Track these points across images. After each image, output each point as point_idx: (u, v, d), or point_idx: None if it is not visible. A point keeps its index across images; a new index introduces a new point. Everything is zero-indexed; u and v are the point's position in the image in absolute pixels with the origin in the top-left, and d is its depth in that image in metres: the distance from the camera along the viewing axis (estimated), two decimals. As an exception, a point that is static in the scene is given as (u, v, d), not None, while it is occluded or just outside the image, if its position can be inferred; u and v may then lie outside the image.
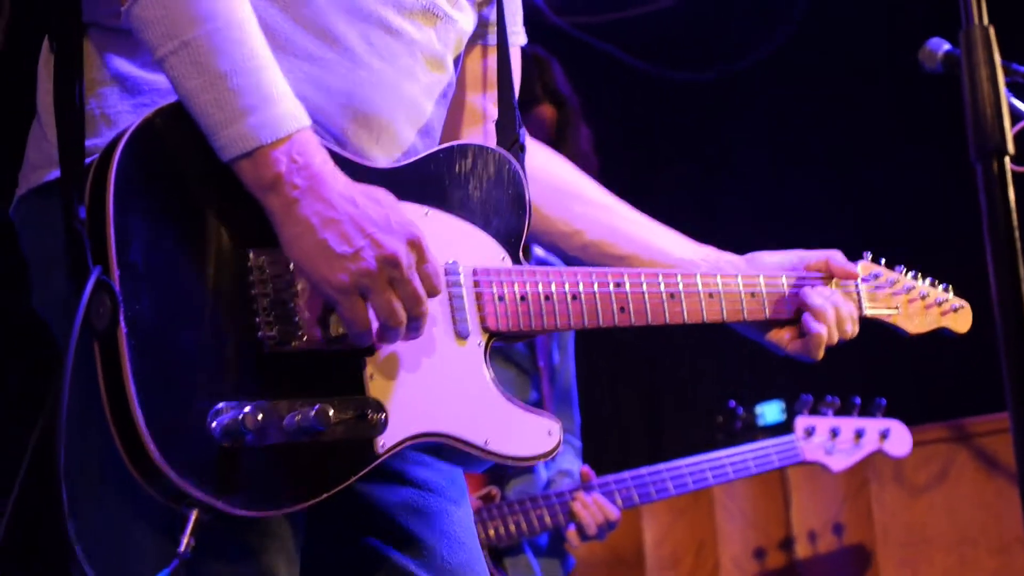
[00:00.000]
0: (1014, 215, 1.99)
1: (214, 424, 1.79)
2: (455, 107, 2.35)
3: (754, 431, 4.67)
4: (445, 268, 2.04)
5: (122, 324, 1.76)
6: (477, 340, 2.06)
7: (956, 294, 2.59)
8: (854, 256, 2.49)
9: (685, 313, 2.27)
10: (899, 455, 4.56)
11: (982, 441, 5.08)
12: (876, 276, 2.49)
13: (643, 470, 4.31)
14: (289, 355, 1.87)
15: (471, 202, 2.11)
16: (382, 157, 2.10)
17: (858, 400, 4.50)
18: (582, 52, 5.87)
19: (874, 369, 5.01)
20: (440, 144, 2.17)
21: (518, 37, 2.41)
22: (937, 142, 5.21)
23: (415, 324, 1.91)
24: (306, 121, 1.88)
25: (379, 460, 1.92)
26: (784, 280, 2.38)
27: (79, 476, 1.83)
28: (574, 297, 2.16)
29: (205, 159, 1.85)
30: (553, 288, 2.14)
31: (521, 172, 2.18)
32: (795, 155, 6.07)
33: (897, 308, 2.50)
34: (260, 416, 1.80)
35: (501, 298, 2.09)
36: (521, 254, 2.15)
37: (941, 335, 2.58)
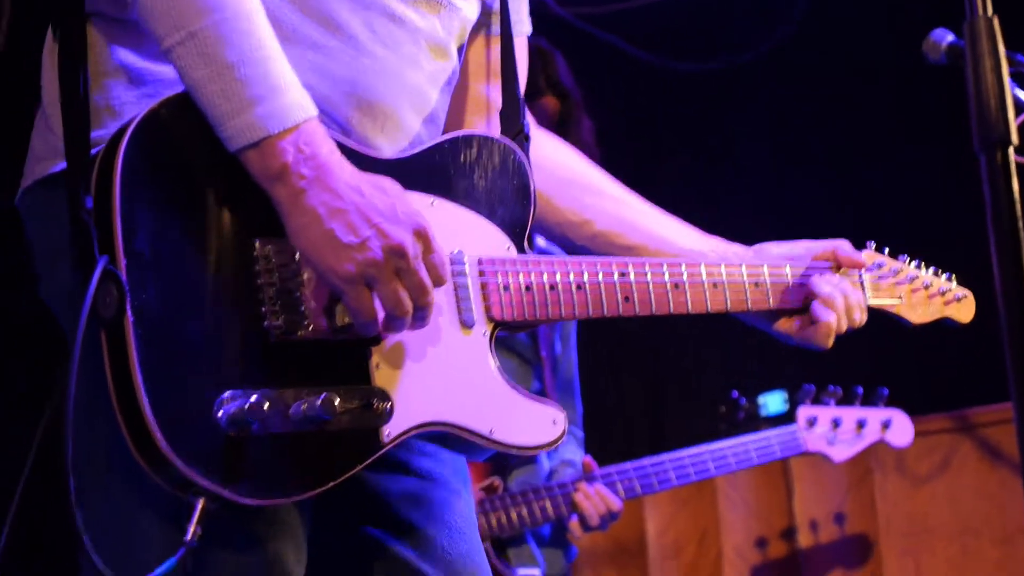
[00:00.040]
0: (1017, 206, 1.99)
1: (220, 413, 1.79)
2: (460, 96, 2.35)
3: (757, 421, 4.67)
4: (450, 258, 2.04)
5: (129, 313, 1.76)
6: (482, 329, 2.06)
7: (959, 284, 2.59)
8: (857, 246, 2.49)
9: (689, 303, 2.27)
10: (901, 445, 4.57)
11: (985, 432, 5.08)
12: (879, 266, 2.49)
13: (645, 460, 4.31)
14: (295, 344, 1.88)
15: (476, 192, 2.12)
16: (387, 145, 2.10)
17: (860, 390, 4.50)
18: (585, 43, 5.87)
19: (877, 359, 5.01)
20: (445, 134, 2.17)
21: (523, 27, 2.42)
22: (941, 134, 5.21)
23: (421, 314, 1.92)
24: (313, 111, 1.88)
25: (385, 449, 1.93)
26: (788, 270, 2.38)
27: (86, 465, 1.83)
28: (579, 287, 2.16)
29: (211, 149, 1.85)
30: (558, 278, 2.14)
31: (526, 162, 2.18)
32: (798, 146, 6.07)
33: (900, 298, 2.50)
34: (266, 405, 1.80)
35: (506, 287, 2.09)
36: (526, 244, 2.16)
37: (944, 325, 2.58)
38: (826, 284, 2.37)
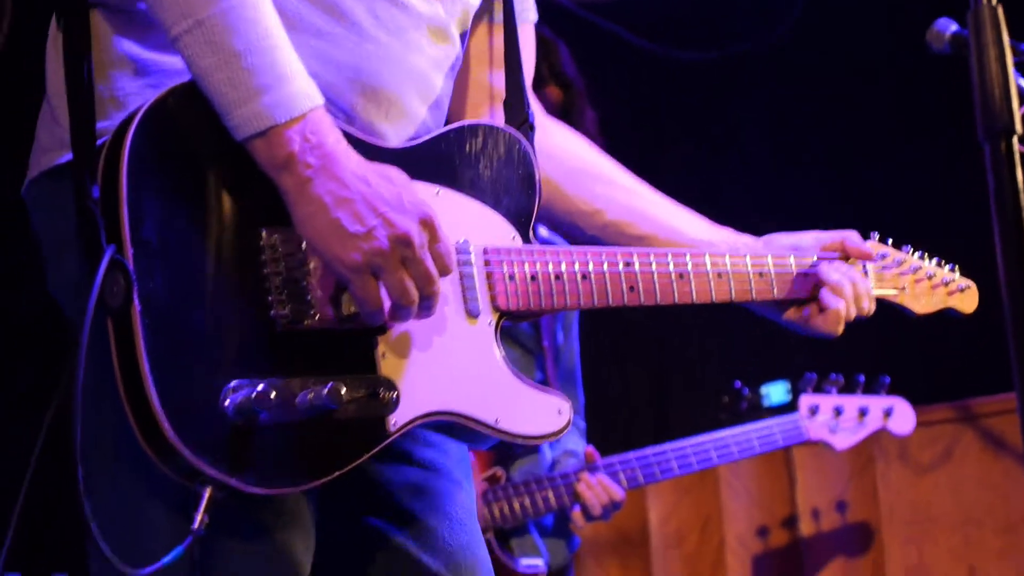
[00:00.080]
0: (1022, 195, 2.00)
1: (227, 402, 1.79)
2: (464, 84, 2.35)
3: (759, 411, 4.67)
4: (456, 247, 2.04)
5: (136, 302, 1.76)
6: (487, 319, 2.07)
7: (962, 275, 2.60)
8: (861, 236, 2.50)
9: (694, 293, 2.28)
10: (903, 433, 4.57)
11: (988, 422, 5.08)
12: (883, 256, 2.50)
13: (647, 450, 4.31)
14: (301, 334, 1.88)
15: (481, 181, 2.12)
16: (392, 131, 2.10)
17: (862, 378, 4.50)
18: (587, 32, 5.86)
19: (880, 349, 5.01)
20: (450, 124, 2.17)
21: (529, 14, 2.41)
22: (944, 124, 5.21)
23: (427, 303, 1.92)
24: (319, 100, 1.88)
25: (391, 439, 1.93)
26: (792, 260, 2.39)
27: (94, 454, 1.83)
28: (584, 276, 2.16)
29: (218, 138, 1.86)
30: (563, 267, 2.15)
31: (531, 151, 2.18)
32: (801, 136, 6.07)
33: (904, 288, 2.51)
34: (273, 394, 1.80)
35: (511, 277, 2.10)
36: (530, 234, 2.16)
37: (947, 315, 2.59)
38: (835, 272, 2.38)
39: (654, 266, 2.23)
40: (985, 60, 2.03)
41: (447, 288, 2.00)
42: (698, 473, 4.56)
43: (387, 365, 1.94)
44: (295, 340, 1.88)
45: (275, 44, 1.87)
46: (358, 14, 2.06)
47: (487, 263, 2.08)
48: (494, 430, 2.03)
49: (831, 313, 2.35)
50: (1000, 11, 2.05)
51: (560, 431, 2.09)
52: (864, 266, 2.46)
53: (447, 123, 2.21)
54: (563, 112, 4.39)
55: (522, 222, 2.15)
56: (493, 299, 2.07)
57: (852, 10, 5.85)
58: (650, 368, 6.34)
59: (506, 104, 2.30)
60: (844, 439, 4.50)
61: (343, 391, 1.85)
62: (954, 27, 2.62)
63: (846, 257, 2.43)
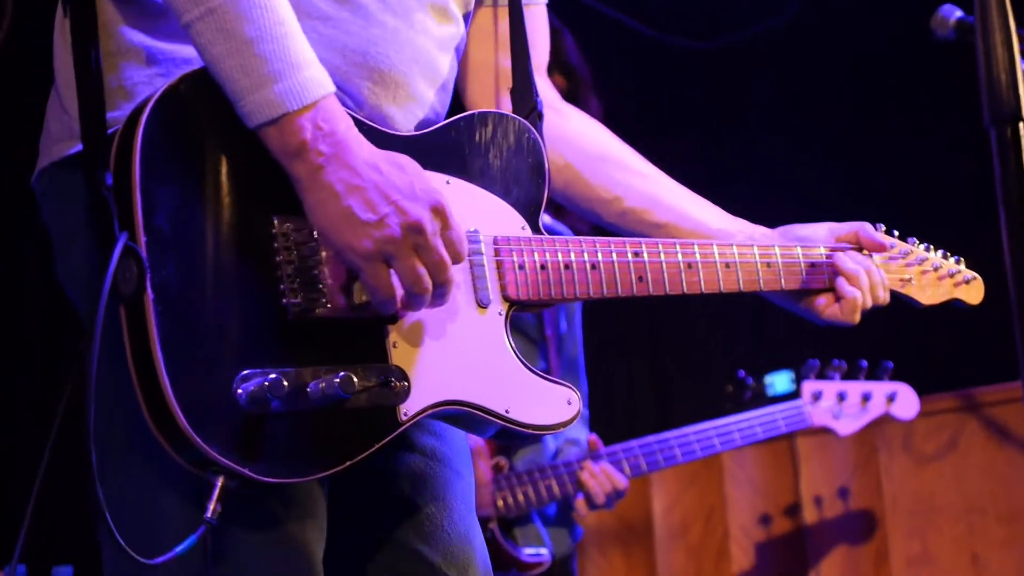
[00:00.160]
0: (1028, 180, 2.00)
1: (240, 391, 1.79)
2: (473, 68, 2.36)
3: (763, 401, 4.66)
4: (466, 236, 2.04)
5: (149, 290, 1.76)
6: (498, 309, 2.07)
7: (967, 265, 2.60)
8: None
9: (702, 283, 2.28)
10: (906, 418, 4.57)
11: (992, 411, 5.08)
12: (890, 247, 2.51)
13: (650, 438, 4.31)
14: (313, 322, 1.88)
15: (491, 171, 2.12)
16: (400, 115, 2.10)
17: (865, 364, 4.50)
18: (592, 20, 5.86)
19: (885, 339, 5.00)
20: (460, 113, 2.17)
21: None
22: (949, 114, 5.20)
23: (440, 291, 1.92)
24: (331, 87, 1.88)
25: (402, 428, 1.93)
26: (799, 251, 2.39)
27: (107, 443, 1.84)
28: (593, 266, 2.17)
29: (230, 125, 1.85)
30: (572, 257, 2.15)
31: (540, 141, 2.18)
32: (807, 123, 6.06)
33: (910, 279, 2.52)
34: (285, 383, 1.80)
35: (521, 267, 2.10)
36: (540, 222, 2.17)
37: (953, 307, 2.59)
38: (850, 261, 2.39)
39: (663, 256, 2.24)
40: (991, 45, 2.03)
41: (458, 277, 2.00)
42: (702, 462, 4.56)
43: (398, 354, 1.95)
44: (307, 329, 1.88)
45: (287, 31, 1.87)
46: None
47: (497, 252, 2.08)
48: (505, 420, 2.03)
49: (848, 302, 2.36)
50: (1006, -5, 2.05)
51: (569, 421, 2.09)
52: (871, 258, 2.46)
53: (462, 110, 2.21)
54: (568, 100, 4.38)
55: (531, 212, 2.15)
56: (503, 289, 2.07)
57: (857, -1, 5.85)
58: (652, 358, 6.34)
59: (513, 92, 2.30)
60: (847, 424, 4.50)
61: (355, 380, 1.85)
62: (959, 13, 2.63)
63: (860, 248, 2.44)
